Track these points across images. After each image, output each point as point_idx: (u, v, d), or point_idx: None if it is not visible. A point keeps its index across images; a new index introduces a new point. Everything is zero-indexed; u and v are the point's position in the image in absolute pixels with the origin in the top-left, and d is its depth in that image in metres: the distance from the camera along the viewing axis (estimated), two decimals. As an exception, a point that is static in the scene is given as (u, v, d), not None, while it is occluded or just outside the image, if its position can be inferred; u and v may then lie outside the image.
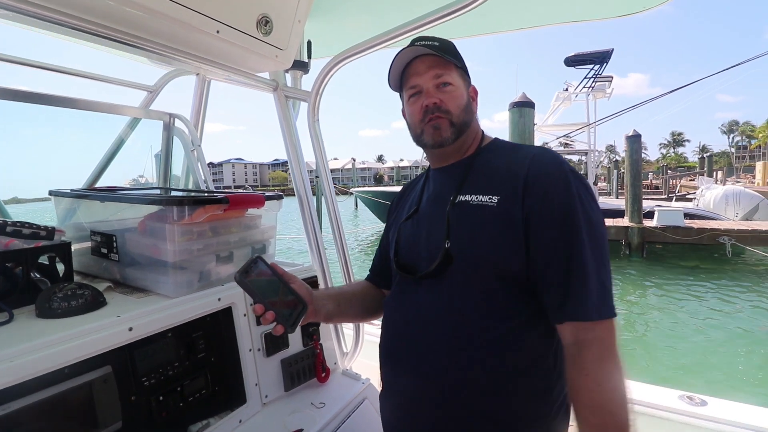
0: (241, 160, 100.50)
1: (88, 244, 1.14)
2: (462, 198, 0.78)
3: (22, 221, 0.92)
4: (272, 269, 0.80)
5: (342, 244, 1.40)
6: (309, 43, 1.39)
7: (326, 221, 1.43)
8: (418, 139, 0.85)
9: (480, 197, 0.76)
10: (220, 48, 1.05)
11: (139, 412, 0.87)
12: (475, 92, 0.89)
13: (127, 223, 1.10)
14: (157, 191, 1.39)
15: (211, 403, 1.02)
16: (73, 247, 1.21)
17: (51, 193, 1.20)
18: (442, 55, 0.80)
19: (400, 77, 0.86)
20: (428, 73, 0.81)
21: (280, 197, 1.19)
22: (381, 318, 1.01)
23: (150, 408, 0.89)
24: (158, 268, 0.99)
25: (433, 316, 0.75)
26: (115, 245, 1.06)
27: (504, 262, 0.72)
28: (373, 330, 1.71)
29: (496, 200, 0.74)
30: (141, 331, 0.84)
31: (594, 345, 0.67)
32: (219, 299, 1.01)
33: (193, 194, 1.12)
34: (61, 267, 1.03)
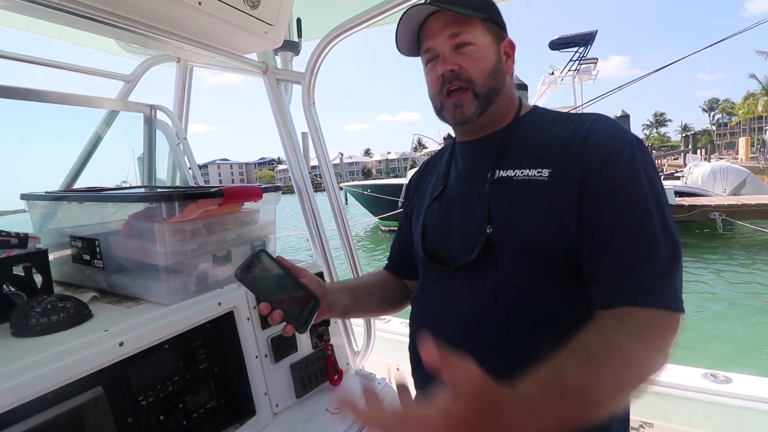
0: (227, 160, 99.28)
1: (70, 251, 1.03)
2: (503, 173, 0.67)
3: (-12, 228, 0.80)
4: (278, 263, 0.71)
5: (347, 237, 1.31)
6: (299, 21, 1.29)
7: (324, 213, 1.34)
8: (439, 114, 0.74)
9: (526, 171, 0.65)
10: (202, 24, 0.94)
11: (137, 435, 0.77)
12: (512, 47, 0.74)
13: (110, 225, 0.99)
14: (142, 190, 1.28)
15: (218, 417, 0.93)
16: (52, 256, 1.10)
17: (23, 197, 1.09)
18: (454, 10, 0.66)
19: (417, 39, 0.74)
20: (443, 32, 0.69)
21: (278, 188, 1.09)
22: (402, 310, 0.92)
23: (150, 429, 0.79)
24: (149, 273, 0.88)
25: (474, 313, 0.65)
26: (98, 250, 0.95)
27: (560, 246, 0.61)
28: (384, 326, 1.63)
29: (548, 173, 0.63)
30: (134, 345, 0.74)
31: (648, 326, 0.52)
32: (219, 304, 0.91)
33: (182, 189, 1.01)
34: (39, 279, 0.93)
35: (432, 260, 0.73)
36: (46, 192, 1.11)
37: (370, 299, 0.87)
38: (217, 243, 0.97)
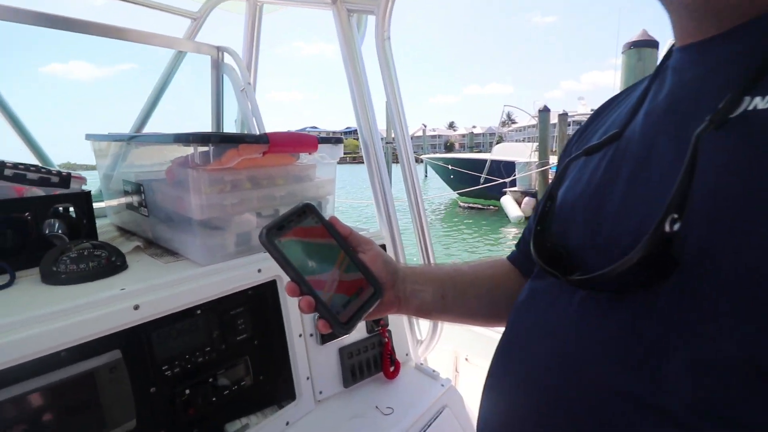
0: (316, 128, 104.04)
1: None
2: (758, 104, 0.30)
3: (27, 163, 0.75)
4: (329, 226, 0.50)
5: (418, 209, 1.10)
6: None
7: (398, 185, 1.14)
8: None
9: None
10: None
11: (158, 409, 0.68)
12: None
13: (161, 173, 0.91)
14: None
15: (254, 396, 0.81)
16: (115, 201, 1.07)
17: (88, 137, 1.05)
18: None
19: None
20: None
21: (339, 140, 0.91)
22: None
23: (173, 403, 0.70)
24: (186, 226, 0.78)
25: (601, 375, 0.33)
26: (143, 197, 0.87)
27: None
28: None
29: None
30: (151, 310, 0.63)
31: None
32: (259, 270, 0.78)
33: (222, 133, 0.88)
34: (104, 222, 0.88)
35: (544, 257, 0.41)
36: (108, 133, 1.06)
37: (468, 299, 0.58)
38: (263, 199, 0.83)
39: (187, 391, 0.71)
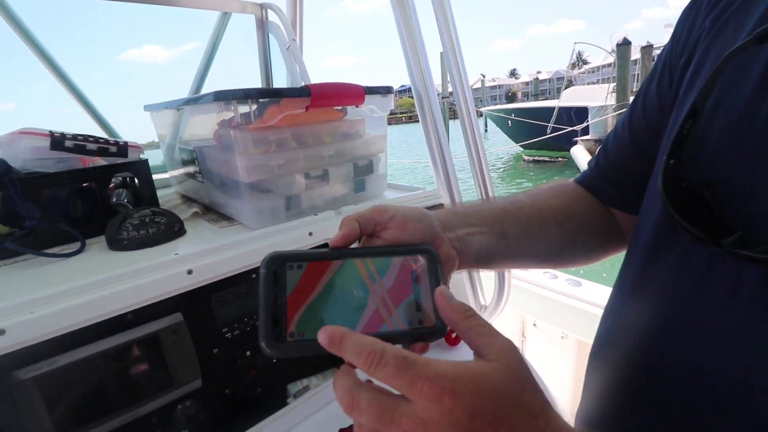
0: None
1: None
2: None
3: (86, 134, 0.77)
4: (318, 254, 0.35)
5: (480, 162, 0.99)
6: None
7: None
8: None
9: None
10: None
11: (222, 369, 0.70)
12: None
13: (211, 138, 0.90)
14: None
15: (313, 359, 0.82)
16: (179, 171, 1.10)
17: (146, 108, 1.08)
18: None
19: None
20: None
21: (388, 90, 0.83)
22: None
23: (236, 364, 0.72)
24: (235, 190, 0.76)
25: None
26: (197, 164, 0.87)
27: None
28: (521, 273, 1.31)
29: None
30: (204, 275, 0.63)
31: None
32: (310, 234, 0.75)
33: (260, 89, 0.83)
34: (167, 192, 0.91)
35: (674, 202, 0.29)
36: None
37: (534, 236, 0.45)
38: (310, 159, 0.78)
39: (248, 353, 0.73)
